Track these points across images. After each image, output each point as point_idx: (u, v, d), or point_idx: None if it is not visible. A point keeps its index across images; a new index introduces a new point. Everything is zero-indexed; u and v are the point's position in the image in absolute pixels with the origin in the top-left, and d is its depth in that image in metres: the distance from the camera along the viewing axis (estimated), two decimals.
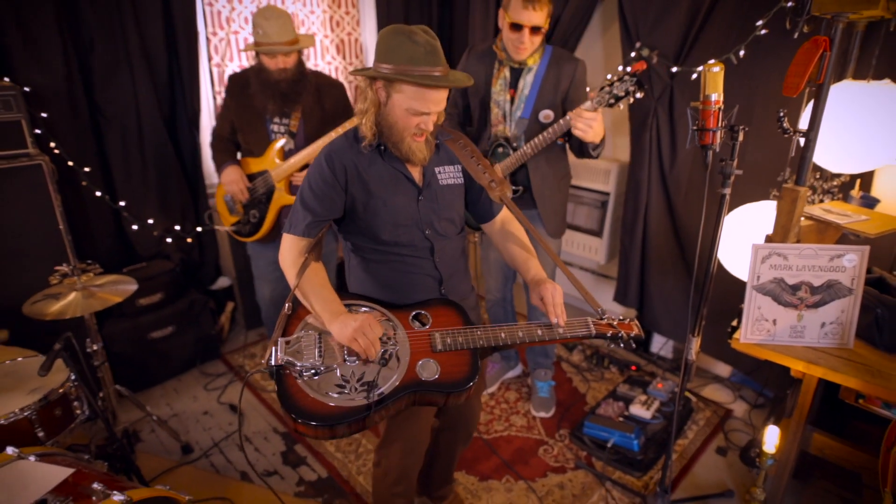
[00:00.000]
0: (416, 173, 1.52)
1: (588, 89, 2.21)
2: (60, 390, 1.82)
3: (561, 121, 2.08)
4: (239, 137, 2.52)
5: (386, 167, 1.48)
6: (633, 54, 2.64)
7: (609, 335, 1.47)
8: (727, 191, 1.61)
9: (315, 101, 2.45)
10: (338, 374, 1.35)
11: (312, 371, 1.34)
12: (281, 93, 2.34)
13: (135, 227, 2.86)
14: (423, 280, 1.57)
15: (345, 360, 1.36)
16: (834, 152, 1.83)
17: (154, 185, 2.94)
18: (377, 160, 1.48)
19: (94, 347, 2.16)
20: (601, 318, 1.49)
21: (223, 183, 2.51)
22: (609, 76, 1.89)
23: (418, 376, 1.36)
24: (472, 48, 2.38)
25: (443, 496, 2.10)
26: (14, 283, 2.24)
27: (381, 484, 1.77)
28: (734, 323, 1.88)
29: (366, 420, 1.31)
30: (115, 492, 1.34)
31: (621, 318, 1.52)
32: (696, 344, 1.80)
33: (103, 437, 2.33)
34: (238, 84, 2.46)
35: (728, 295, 2.22)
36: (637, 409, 2.57)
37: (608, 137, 2.37)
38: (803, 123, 1.75)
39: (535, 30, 2.08)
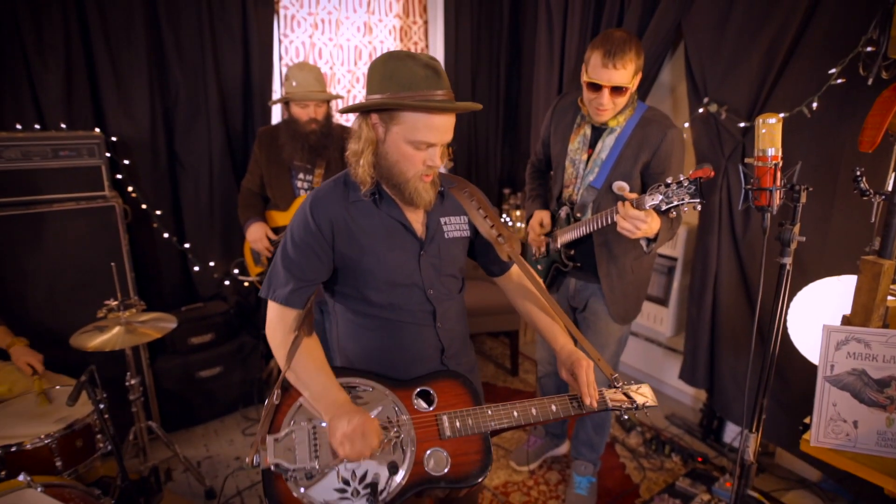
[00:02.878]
0: (417, 224, 1.32)
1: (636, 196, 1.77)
2: (85, 421, 1.87)
3: (608, 211, 1.77)
4: (267, 191, 2.58)
5: (382, 217, 1.29)
6: (700, 110, 2.45)
7: (623, 407, 1.35)
8: (787, 260, 1.37)
9: (340, 155, 2.48)
10: (335, 476, 1.20)
11: (306, 472, 1.18)
12: (309, 145, 2.40)
13: (196, 268, 3.02)
14: (422, 350, 1.37)
15: (343, 462, 1.21)
16: None
17: (219, 230, 3.11)
18: (371, 210, 1.28)
19: (132, 382, 2.22)
20: (616, 387, 1.38)
21: (249, 240, 2.57)
22: (668, 179, 1.62)
23: (427, 472, 1.21)
24: (557, 102, 2.16)
25: None
26: (76, 314, 2.39)
27: None
28: (807, 420, 1.56)
29: None
30: None
31: (632, 383, 1.41)
32: (753, 442, 1.51)
33: (136, 472, 2.38)
34: (268, 137, 2.54)
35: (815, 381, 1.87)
36: None
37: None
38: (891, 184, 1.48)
39: (616, 90, 1.79)
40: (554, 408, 1.32)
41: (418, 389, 1.32)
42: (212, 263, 3.07)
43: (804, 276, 1.94)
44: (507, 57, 3.87)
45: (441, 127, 1.18)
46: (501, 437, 2.81)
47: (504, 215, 3.88)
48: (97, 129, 2.60)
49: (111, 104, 2.71)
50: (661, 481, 2.50)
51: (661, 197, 1.59)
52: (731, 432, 2.73)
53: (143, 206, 2.82)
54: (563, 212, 2.05)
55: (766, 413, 1.47)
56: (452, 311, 1.42)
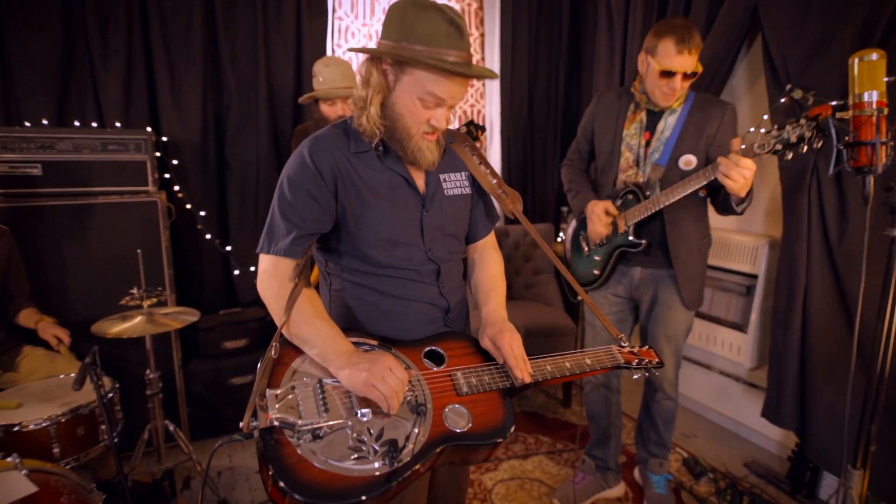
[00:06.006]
0: (419, 180, 1.25)
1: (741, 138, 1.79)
2: (90, 408, 1.78)
3: (709, 167, 1.74)
4: None
5: (385, 171, 1.21)
6: (782, 100, 2.13)
7: (634, 364, 1.36)
8: None
9: None
10: (347, 435, 1.03)
11: (313, 433, 1.01)
12: None
13: (237, 272, 2.97)
14: (426, 311, 1.27)
15: (356, 415, 1.06)
16: None
17: None
18: (374, 162, 1.20)
19: (151, 376, 2.14)
20: (622, 347, 1.39)
21: None
22: (771, 127, 1.55)
23: (448, 428, 1.09)
24: (602, 91, 2.17)
25: None
26: (112, 306, 2.38)
27: None
28: None
29: (387, 494, 0.99)
30: None
31: (643, 347, 1.43)
32: (860, 482, 1.15)
33: (149, 474, 2.27)
34: (303, 136, 2.46)
35: None
36: None
37: (756, 197, 1.89)
38: None
39: (687, 75, 1.83)
40: (568, 364, 1.28)
41: (426, 349, 1.23)
42: (253, 268, 3.02)
43: None
44: (565, 69, 3.69)
45: (454, 90, 1.12)
46: (544, 472, 2.47)
47: (561, 234, 3.62)
48: (149, 129, 2.65)
49: (166, 108, 2.78)
50: None
51: (773, 140, 1.53)
52: (828, 487, 2.24)
53: (188, 206, 2.83)
54: (629, 193, 1.99)
55: (874, 456, 1.12)
56: (455, 272, 1.34)
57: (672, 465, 2.43)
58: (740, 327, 2.60)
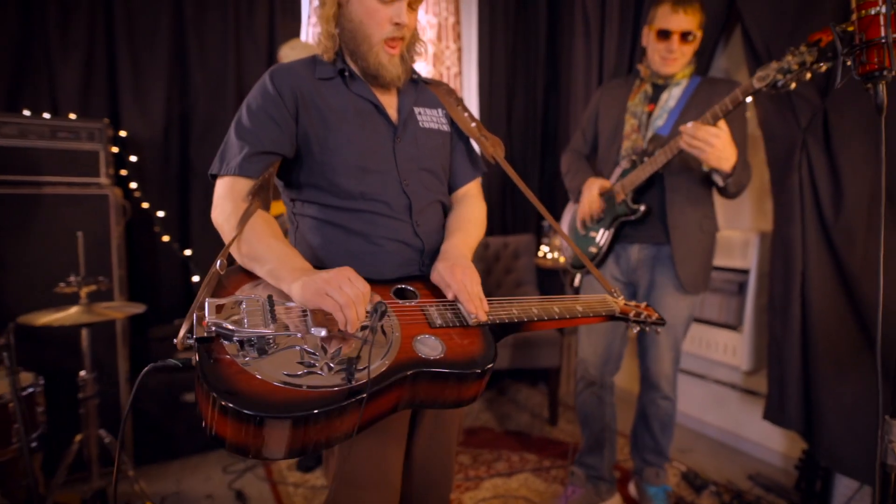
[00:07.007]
0: (391, 109, 1.19)
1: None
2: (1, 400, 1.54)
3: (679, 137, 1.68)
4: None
5: (352, 97, 1.16)
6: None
7: (631, 316, 1.23)
8: None
9: None
10: (299, 348, 0.90)
11: (257, 345, 0.87)
12: None
13: (195, 278, 2.76)
14: (399, 250, 1.16)
15: (310, 332, 0.93)
16: None
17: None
18: (340, 89, 1.16)
19: (86, 376, 1.89)
20: (614, 295, 1.28)
21: None
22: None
23: (416, 354, 0.95)
24: (606, 83, 2.19)
25: None
26: (52, 304, 2.15)
27: None
28: None
29: (342, 414, 0.83)
30: None
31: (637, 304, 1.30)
32: None
33: (77, 493, 1.97)
34: None
35: None
36: None
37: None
38: None
39: (685, 36, 1.81)
40: (557, 309, 1.12)
41: (395, 288, 1.10)
42: None
43: None
44: (543, 80, 3.67)
45: None
46: (530, 490, 2.22)
47: (543, 247, 3.49)
48: (106, 120, 2.50)
49: (127, 103, 2.65)
50: None
51: (773, 73, 1.46)
52: (841, 496, 2.03)
53: (145, 206, 2.64)
54: (627, 161, 1.91)
55: None
56: (432, 213, 1.23)
57: (670, 479, 2.21)
58: (734, 327, 2.45)
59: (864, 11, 0.99)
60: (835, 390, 1.92)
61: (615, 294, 1.28)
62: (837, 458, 1.94)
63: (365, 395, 0.83)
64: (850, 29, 1.04)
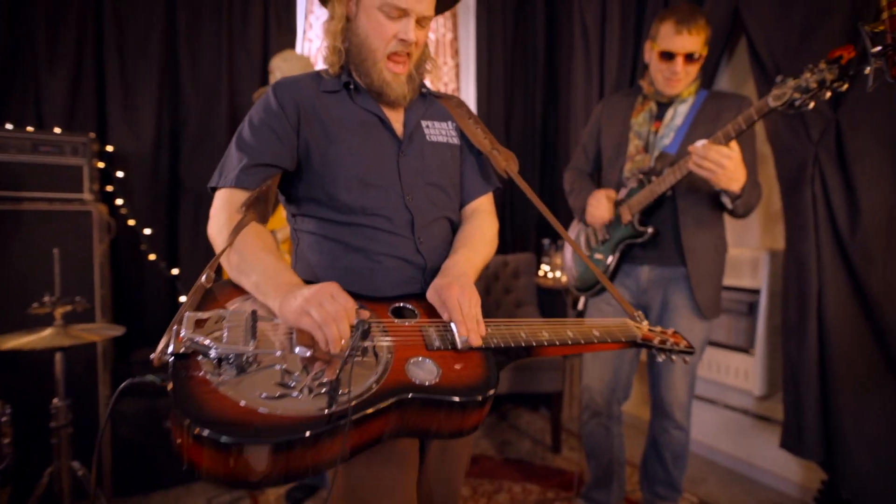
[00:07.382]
0: (396, 124, 1.17)
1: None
2: None
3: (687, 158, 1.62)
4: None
5: (356, 109, 1.14)
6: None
7: (656, 343, 1.12)
8: None
9: None
10: (279, 368, 0.84)
11: (235, 363, 0.81)
12: None
13: (183, 298, 2.65)
14: (398, 267, 1.11)
15: (294, 351, 0.87)
16: None
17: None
18: (345, 102, 1.14)
19: (59, 404, 1.76)
20: (637, 320, 1.18)
21: None
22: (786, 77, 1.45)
23: (409, 378, 0.87)
24: (607, 98, 2.13)
25: None
26: (20, 323, 2.03)
27: None
28: None
29: (321, 440, 0.76)
30: None
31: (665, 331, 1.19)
32: None
33: None
34: None
35: None
36: None
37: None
38: None
39: (689, 58, 1.74)
40: (570, 333, 1.03)
41: (394, 306, 1.04)
42: None
43: None
44: (542, 95, 3.62)
45: None
46: None
47: (544, 266, 3.39)
48: (92, 134, 2.42)
49: (115, 117, 2.58)
50: None
51: (789, 92, 1.37)
52: None
53: (131, 223, 2.54)
54: (634, 181, 1.83)
55: None
56: (437, 229, 1.17)
57: None
58: (745, 350, 2.34)
59: (895, 10, 0.91)
60: (856, 417, 1.81)
61: (638, 318, 1.18)
62: (861, 490, 1.82)
63: (347, 421, 0.76)
64: (881, 29, 0.97)
